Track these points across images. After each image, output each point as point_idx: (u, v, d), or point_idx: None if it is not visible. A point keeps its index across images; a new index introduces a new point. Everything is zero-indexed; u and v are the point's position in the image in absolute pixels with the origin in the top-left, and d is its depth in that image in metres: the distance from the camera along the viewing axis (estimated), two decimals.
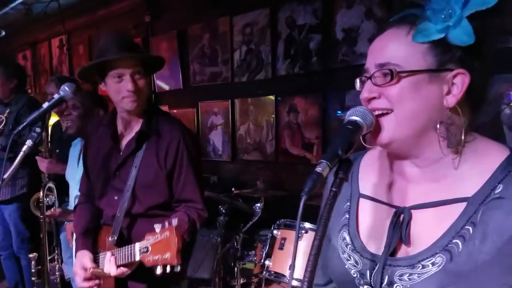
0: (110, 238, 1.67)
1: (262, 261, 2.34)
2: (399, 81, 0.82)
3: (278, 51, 3.55)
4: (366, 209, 0.96)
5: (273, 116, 3.62)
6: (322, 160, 0.76)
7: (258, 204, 2.62)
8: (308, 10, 3.34)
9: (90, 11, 4.98)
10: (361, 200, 0.98)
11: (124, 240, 1.68)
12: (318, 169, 0.75)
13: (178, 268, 1.37)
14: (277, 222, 2.36)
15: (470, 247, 0.77)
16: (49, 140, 3.03)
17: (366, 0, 3.04)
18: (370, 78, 0.85)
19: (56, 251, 2.96)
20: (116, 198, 1.73)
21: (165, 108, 4.56)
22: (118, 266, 1.55)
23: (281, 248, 2.28)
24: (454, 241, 0.79)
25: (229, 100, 3.96)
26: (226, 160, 4.06)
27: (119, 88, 1.66)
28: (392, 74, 0.81)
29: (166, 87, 4.60)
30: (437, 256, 0.80)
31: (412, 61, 0.82)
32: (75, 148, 2.64)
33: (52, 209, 2.70)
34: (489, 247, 0.76)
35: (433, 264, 0.80)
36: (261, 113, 3.75)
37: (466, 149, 0.84)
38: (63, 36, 5.95)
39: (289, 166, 3.55)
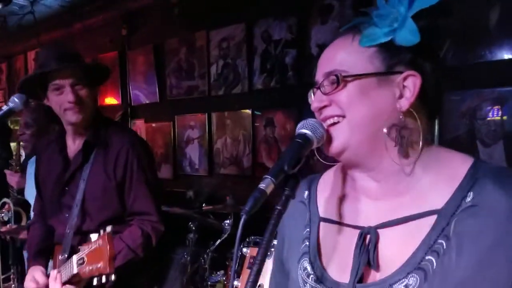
0: (60, 257, 1.61)
1: (231, 281, 2.24)
2: (346, 86, 0.80)
3: (255, 66, 3.57)
4: (328, 234, 0.89)
5: (250, 129, 3.62)
6: (267, 176, 0.71)
7: (228, 221, 2.56)
8: (283, 25, 3.38)
9: (66, 24, 4.92)
10: (322, 224, 0.90)
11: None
12: (261, 185, 0.70)
13: (113, 277, 1.30)
14: (247, 240, 2.27)
15: (446, 262, 0.71)
16: (20, 154, 2.96)
17: (339, 16, 3.09)
18: (319, 88, 0.83)
19: (12, 270, 2.84)
20: (67, 215, 1.68)
21: (141, 121, 4.52)
22: (63, 283, 1.47)
23: (250, 267, 2.15)
24: (427, 257, 0.73)
25: (206, 114, 3.94)
26: (202, 175, 4.02)
27: (60, 100, 1.61)
28: (338, 80, 0.79)
29: (145, 100, 4.56)
30: (409, 276, 0.73)
31: (358, 66, 0.80)
32: (32, 166, 2.57)
33: (8, 225, 2.60)
34: (467, 260, 0.70)
35: (406, 286, 0.73)
36: (238, 126, 3.74)
37: (427, 159, 0.80)
38: (39, 49, 5.87)
39: None
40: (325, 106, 0.82)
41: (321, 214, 0.91)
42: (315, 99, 0.85)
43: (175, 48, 4.17)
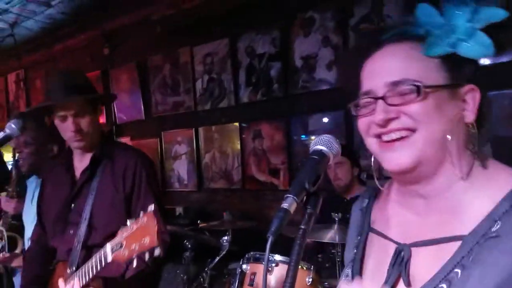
0: (68, 271, 1.61)
1: None
2: (424, 98, 0.74)
3: (240, 79, 3.60)
4: (373, 245, 0.90)
5: (239, 143, 3.64)
6: (289, 195, 0.71)
7: (226, 237, 2.53)
8: (266, 39, 3.43)
9: (47, 46, 4.89)
10: (370, 234, 0.91)
11: None
12: (284, 205, 0.70)
13: (158, 251, 1.29)
14: (246, 256, 2.19)
15: None
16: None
17: (321, 28, 3.16)
18: (382, 98, 0.76)
19: None
20: (71, 232, 1.70)
21: (126, 139, 4.49)
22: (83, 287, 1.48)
23: (251, 284, 2.08)
24: (440, 285, 0.72)
25: (193, 129, 3.95)
26: (192, 190, 4.01)
27: (63, 128, 1.70)
28: (419, 89, 0.73)
29: (130, 117, 4.54)
30: None
31: (430, 76, 0.76)
32: (30, 186, 2.53)
33: (1, 254, 2.53)
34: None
35: None
36: (226, 140, 3.75)
37: (477, 174, 0.77)
38: (20, 71, 5.80)
39: (257, 192, 3.55)
40: (392, 119, 0.76)
41: (372, 225, 0.92)
42: (379, 110, 0.76)
43: (158, 64, 4.19)
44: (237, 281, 2.16)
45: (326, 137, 0.80)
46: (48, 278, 1.75)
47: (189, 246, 2.74)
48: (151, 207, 1.32)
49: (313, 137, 3.25)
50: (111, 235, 1.58)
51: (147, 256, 1.29)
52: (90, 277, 1.45)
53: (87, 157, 1.76)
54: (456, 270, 0.72)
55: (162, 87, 4.18)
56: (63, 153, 1.95)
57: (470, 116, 0.76)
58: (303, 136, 3.34)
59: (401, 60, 0.77)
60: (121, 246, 1.35)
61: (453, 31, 0.76)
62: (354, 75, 0.84)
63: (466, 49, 0.76)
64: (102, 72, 4.61)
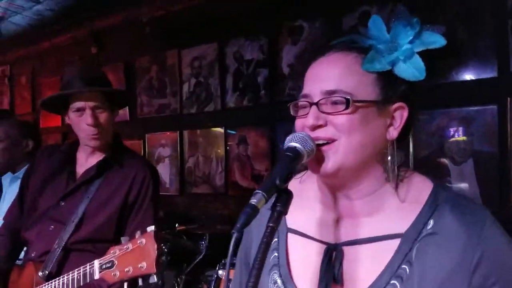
0: (40, 273, 1.52)
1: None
2: (352, 111, 0.78)
3: (227, 84, 3.59)
4: (296, 247, 0.89)
5: (223, 148, 3.61)
6: (258, 191, 0.69)
7: (202, 242, 2.50)
8: (254, 45, 3.43)
9: (33, 42, 4.83)
10: (290, 235, 0.90)
11: (52, 276, 1.53)
12: (253, 201, 0.68)
13: (154, 279, 1.24)
14: (223, 261, 2.20)
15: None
16: None
17: (310, 37, 3.16)
18: (316, 104, 0.80)
19: None
20: (51, 228, 1.61)
21: None
22: None
23: None
24: (392, 282, 0.75)
25: (178, 132, 3.91)
26: (174, 194, 3.96)
27: (80, 122, 1.62)
28: (348, 103, 0.77)
29: None
30: None
31: (363, 91, 0.79)
32: (5, 183, 2.47)
33: None
34: (430, 286, 0.73)
35: None
36: (210, 145, 3.73)
37: (400, 183, 0.82)
38: (5, 67, 5.71)
39: (239, 198, 3.52)
40: (320, 126, 0.80)
41: (289, 225, 0.91)
42: (311, 116, 0.80)
43: (146, 66, 4.15)
44: (212, 287, 2.12)
45: (300, 134, 0.79)
46: (9, 273, 1.65)
47: (165, 250, 2.67)
48: (151, 228, 1.27)
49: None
50: (96, 241, 1.58)
51: (140, 282, 1.24)
52: None
53: (96, 157, 1.70)
54: (403, 266, 0.75)
55: (148, 89, 4.15)
56: (65, 144, 1.88)
57: (393, 133, 0.81)
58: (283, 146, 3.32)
59: (339, 71, 0.80)
60: (112, 265, 1.28)
61: (395, 49, 0.80)
62: (302, 73, 0.89)
63: (402, 69, 0.79)
64: None
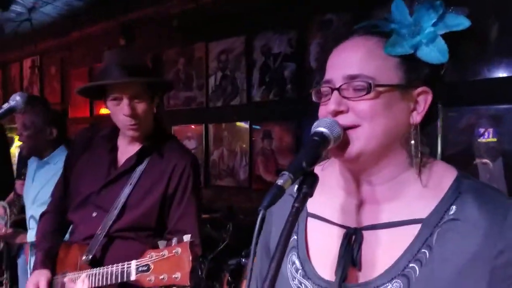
0: (83, 257, 1.53)
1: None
2: (374, 96, 0.77)
3: (253, 78, 3.58)
4: (315, 230, 0.89)
5: (248, 141, 3.62)
6: (284, 172, 0.69)
7: (226, 231, 2.52)
8: (283, 39, 3.40)
9: (63, 32, 4.91)
10: (309, 219, 0.90)
11: (95, 261, 1.53)
12: (279, 181, 0.68)
13: None
14: (246, 250, 2.22)
15: (428, 272, 0.74)
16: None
17: (339, 31, 3.12)
18: (338, 89, 0.79)
19: (5, 275, 2.77)
20: (94, 214, 1.60)
21: None
22: None
23: None
24: (411, 265, 0.75)
25: (203, 125, 3.94)
26: None
27: (117, 111, 1.58)
28: (370, 88, 0.76)
29: None
30: (394, 282, 0.76)
31: (386, 75, 0.78)
32: (31, 167, 2.54)
33: (3, 229, 2.54)
34: (449, 272, 0.73)
35: None
36: (235, 138, 3.73)
37: (423, 169, 0.82)
38: (35, 57, 5.84)
39: (263, 193, 3.48)
40: (341, 112, 0.79)
41: (309, 210, 0.91)
42: (332, 101, 0.79)
43: (173, 59, 4.18)
44: (236, 275, 2.13)
45: (328, 119, 0.78)
46: (56, 248, 1.68)
47: None
48: (187, 238, 1.24)
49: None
50: (138, 229, 1.57)
51: None
52: (104, 284, 1.39)
53: (136, 145, 1.66)
54: (423, 250, 0.75)
55: (175, 81, 4.17)
56: (105, 127, 1.78)
57: (417, 118, 0.80)
58: None
59: (361, 55, 0.79)
60: (148, 269, 1.27)
61: (418, 32, 0.79)
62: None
63: (425, 53, 0.78)
64: None
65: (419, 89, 0.80)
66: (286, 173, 0.69)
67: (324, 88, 0.82)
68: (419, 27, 0.79)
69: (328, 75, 0.83)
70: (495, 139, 2.38)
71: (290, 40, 3.37)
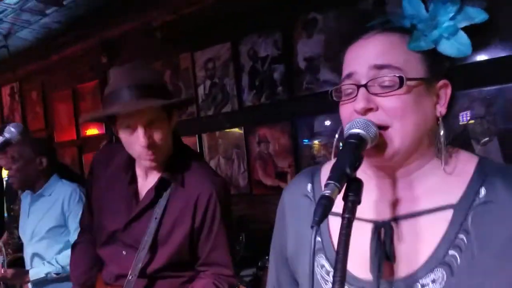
0: None
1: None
2: (405, 91, 0.75)
3: (243, 83, 3.56)
4: (337, 229, 0.86)
5: (244, 147, 3.59)
6: (330, 181, 0.67)
7: (239, 243, 2.46)
8: (268, 41, 3.40)
9: (42, 56, 4.82)
10: (331, 218, 0.84)
11: None
12: (327, 192, 0.65)
13: None
14: (263, 260, 2.12)
15: (469, 257, 0.72)
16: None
17: (325, 28, 3.13)
18: (365, 86, 0.76)
19: None
20: (124, 253, 1.47)
21: None
22: None
23: None
24: (450, 252, 0.73)
25: (196, 136, 3.89)
26: None
27: (131, 142, 1.37)
28: (402, 82, 0.74)
29: None
30: (435, 271, 0.73)
31: (412, 69, 0.77)
32: (24, 202, 2.46)
33: (2, 269, 2.38)
34: (489, 253, 0.72)
35: (433, 281, 0.73)
36: (230, 145, 3.71)
37: (445, 156, 0.81)
38: (14, 84, 5.72)
39: (264, 197, 3.50)
40: (370, 109, 0.76)
41: None
42: (361, 98, 0.76)
43: (159, 71, 4.12)
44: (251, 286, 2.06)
45: (361, 119, 0.76)
46: (92, 282, 1.57)
47: None
48: None
49: (317, 142, 3.23)
50: (174, 266, 1.44)
51: None
52: None
53: (154, 174, 1.48)
54: (460, 235, 0.74)
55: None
56: (122, 156, 1.53)
57: (442, 110, 0.80)
58: (305, 141, 3.30)
59: (387, 47, 0.78)
60: None
61: (435, 27, 0.78)
62: (337, 58, 0.86)
63: (446, 47, 0.78)
64: (100, 82, 4.53)
65: (441, 82, 0.80)
66: (332, 182, 0.67)
67: (347, 86, 0.80)
68: (436, 21, 0.79)
69: (350, 68, 0.80)
70: (487, 118, 2.42)
71: (276, 42, 3.36)
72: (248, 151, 3.57)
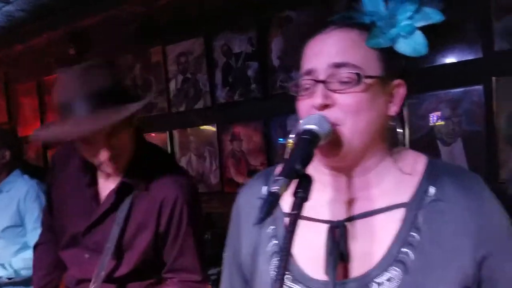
0: None
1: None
2: (362, 89, 0.75)
3: (216, 79, 3.51)
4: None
5: (216, 145, 3.53)
6: (279, 177, 0.65)
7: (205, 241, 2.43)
8: (243, 38, 3.35)
9: (6, 46, 4.60)
10: (287, 220, 0.83)
11: None
12: (275, 188, 0.64)
13: None
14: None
15: (422, 254, 0.74)
16: None
17: (300, 26, 3.12)
18: (324, 82, 0.76)
19: None
20: (87, 256, 1.40)
21: None
22: None
23: None
24: (403, 250, 0.75)
25: (167, 132, 3.81)
26: None
27: (90, 154, 1.30)
28: (360, 79, 0.75)
29: None
30: (390, 270, 0.74)
31: (370, 66, 0.77)
32: None
33: None
34: (440, 250, 0.74)
35: (389, 280, 0.74)
36: (202, 143, 3.64)
37: (396, 156, 0.84)
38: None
39: (236, 195, 3.46)
40: (327, 105, 0.76)
41: (284, 210, 0.87)
42: (320, 94, 0.76)
43: (128, 65, 4.01)
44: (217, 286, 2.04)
45: (316, 116, 0.76)
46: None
47: None
48: None
49: (290, 140, 3.22)
50: (139, 270, 1.38)
51: None
52: None
53: (115, 176, 1.39)
54: (412, 233, 0.75)
55: (132, 88, 4.02)
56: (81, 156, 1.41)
57: (394, 109, 0.81)
58: (280, 139, 3.29)
59: (346, 45, 0.78)
60: None
61: (394, 25, 0.79)
62: (295, 52, 0.86)
63: (403, 45, 0.79)
64: None
65: (396, 82, 0.81)
66: (281, 178, 0.65)
67: (306, 81, 0.79)
68: (395, 20, 0.79)
69: (309, 65, 0.80)
70: (453, 119, 2.47)
71: (250, 38, 3.32)
72: (221, 148, 3.52)
